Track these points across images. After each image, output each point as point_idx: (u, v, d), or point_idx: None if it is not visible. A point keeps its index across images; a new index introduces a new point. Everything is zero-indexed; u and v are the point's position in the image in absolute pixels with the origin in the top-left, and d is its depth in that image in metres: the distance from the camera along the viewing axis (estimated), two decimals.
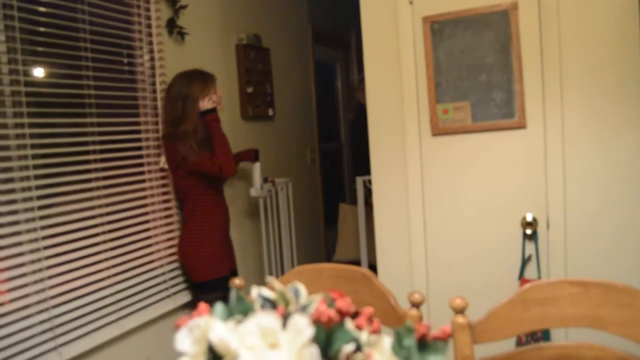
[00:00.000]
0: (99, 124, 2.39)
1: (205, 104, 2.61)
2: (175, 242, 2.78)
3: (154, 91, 2.69)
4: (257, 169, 3.11)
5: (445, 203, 2.39)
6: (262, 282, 3.39)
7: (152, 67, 2.68)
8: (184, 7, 2.79)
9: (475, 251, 2.35)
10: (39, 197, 2.10)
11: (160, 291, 2.69)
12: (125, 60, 2.59)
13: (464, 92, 2.28)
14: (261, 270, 3.40)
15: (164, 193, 2.76)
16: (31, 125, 2.08)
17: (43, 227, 2.11)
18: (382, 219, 2.51)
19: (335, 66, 5.04)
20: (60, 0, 2.19)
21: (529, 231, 2.22)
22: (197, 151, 2.57)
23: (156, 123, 2.70)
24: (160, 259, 2.71)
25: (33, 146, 2.09)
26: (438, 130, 2.34)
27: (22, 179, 2.05)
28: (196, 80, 2.62)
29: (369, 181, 3.43)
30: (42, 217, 2.11)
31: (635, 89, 2.03)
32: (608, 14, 2.05)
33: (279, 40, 3.79)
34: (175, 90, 2.59)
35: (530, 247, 2.26)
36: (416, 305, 1.41)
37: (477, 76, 2.25)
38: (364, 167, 3.75)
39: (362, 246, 3.66)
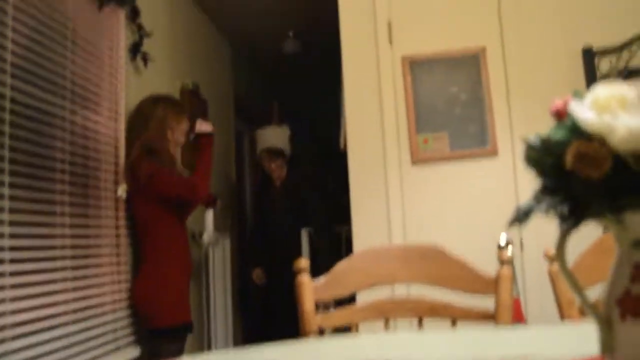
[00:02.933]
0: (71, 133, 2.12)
1: (201, 127, 2.52)
2: (123, 285, 2.43)
3: (116, 113, 2.48)
4: (210, 215, 2.95)
5: (424, 227, 2.48)
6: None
7: (113, 92, 2.49)
8: (148, 34, 2.69)
9: None
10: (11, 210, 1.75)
11: (109, 342, 2.28)
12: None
13: (442, 124, 2.49)
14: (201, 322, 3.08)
15: (116, 227, 2.45)
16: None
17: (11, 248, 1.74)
18: (362, 245, 2.50)
19: (243, 138, 5.07)
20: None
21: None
22: (171, 170, 2.41)
23: (117, 147, 2.47)
24: (112, 302, 2.33)
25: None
26: (418, 159, 2.49)
27: None
28: (171, 104, 2.54)
29: (314, 231, 3.42)
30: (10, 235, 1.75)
31: None
32: (557, 57, 2.47)
33: (211, 95, 3.77)
34: (151, 110, 2.45)
35: None
36: (507, 263, 1.43)
37: (453, 110, 2.49)
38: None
39: None
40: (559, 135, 0.68)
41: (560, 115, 0.70)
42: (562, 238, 0.67)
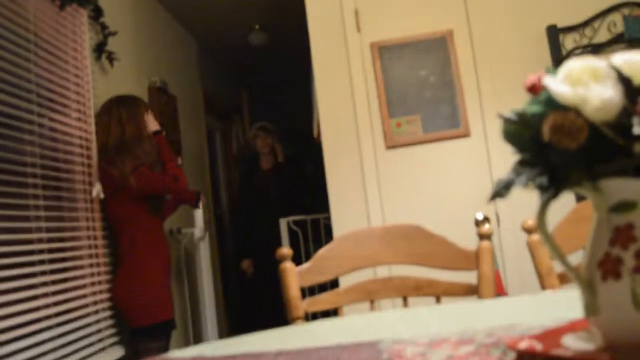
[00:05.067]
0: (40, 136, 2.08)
1: (152, 126, 2.48)
2: (103, 286, 2.41)
3: (85, 114, 2.44)
4: (199, 211, 2.98)
5: (402, 210, 2.51)
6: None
7: (80, 93, 2.45)
8: (113, 33, 2.65)
9: None
10: None
11: (93, 343, 2.26)
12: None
13: (414, 107, 2.52)
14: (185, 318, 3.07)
15: (92, 228, 2.42)
16: None
17: None
18: (342, 231, 2.51)
19: (215, 134, 5.03)
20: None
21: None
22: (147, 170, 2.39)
23: (88, 148, 2.42)
24: (94, 303, 2.31)
25: None
26: (392, 143, 2.51)
27: None
28: (137, 101, 2.50)
29: (294, 222, 3.43)
30: None
31: None
32: (523, 37, 2.52)
33: (180, 91, 3.73)
34: (117, 112, 2.41)
35: None
36: (487, 237, 1.46)
37: (424, 93, 2.51)
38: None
39: None
40: (535, 108, 0.70)
41: (535, 89, 0.72)
42: (543, 208, 0.69)
